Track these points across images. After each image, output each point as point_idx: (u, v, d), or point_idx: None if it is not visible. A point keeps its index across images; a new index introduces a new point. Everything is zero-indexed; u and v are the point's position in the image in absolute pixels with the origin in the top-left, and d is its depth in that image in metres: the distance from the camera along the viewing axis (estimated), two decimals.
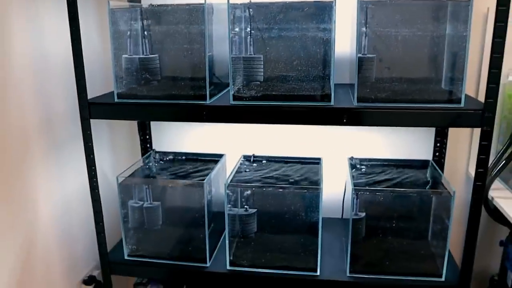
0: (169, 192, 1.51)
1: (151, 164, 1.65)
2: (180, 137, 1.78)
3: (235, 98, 1.27)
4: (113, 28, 1.32)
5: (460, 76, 1.19)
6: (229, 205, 1.40)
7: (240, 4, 1.25)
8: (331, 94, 1.22)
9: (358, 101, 1.22)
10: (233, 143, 1.73)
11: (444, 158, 1.60)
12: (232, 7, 1.24)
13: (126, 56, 1.36)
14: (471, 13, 1.14)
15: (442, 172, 1.59)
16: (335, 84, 1.35)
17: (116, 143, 1.81)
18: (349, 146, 1.67)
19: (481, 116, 1.16)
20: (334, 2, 1.18)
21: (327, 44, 1.22)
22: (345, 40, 1.48)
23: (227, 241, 1.40)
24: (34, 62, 1.34)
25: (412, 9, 1.24)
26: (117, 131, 1.80)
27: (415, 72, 1.27)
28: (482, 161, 1.19)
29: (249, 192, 1.40)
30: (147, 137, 1.78)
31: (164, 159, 1.68)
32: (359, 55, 1.23)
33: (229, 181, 1.39)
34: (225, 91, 1.44)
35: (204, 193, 1.37)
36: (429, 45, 1.25)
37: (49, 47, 1.39)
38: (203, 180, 1.39)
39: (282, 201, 1.40)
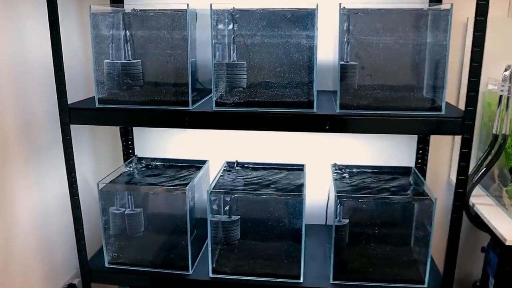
0: (151, 198, 1.50)
1: (133, 170, 1.63)
2: (163, 143, 1.77)
3: (217, 104, 1.27)
4: (95, 33, 1.30)
5: (441, 84, 1.20)
6: (212, 212, 1.38)
7: (223, 10, 1.24)
8: (313, 101, 1.23)
9: (340, 108, 1.22)
10: (216, 149, 1.72)
11: (426, 164, 1.61)
12: (216, 13, 1.24)
13: (108, 61, 1.35)
14: (450, 22, 1.16)
15: (424, 178, 1.61)
16: (319, 91, 1.36)
17: (98, 149, 1.79)
18: (332, 153, 1.67)
19: (461, 124, 1.17)
20: (316, 9, 1.18)
21: (310, 51, 1.22)
22: (328, 47, 1.49)
23: (209, 249, 1.39)
24: (14, 65, 1.32)
25: (393, 18, 1.25)
26: (99, 136, 1.78)
27: (397, 79, 1.28)
28: (462, 168, 1.20)
29: (232, 198, 1.39)
30: (130, 142, 1.76)
31: (147, 165, 1.66)
32: (342, 62, 1.23)
33: (211, 187, 1.39)
34: (208, 97, 1.43)
35: (186, 199, 1.36)
36: (410, 53, 1.26)
37: (29, 51, 1.38)
38: (185, 186, 1.38)
39: (265, 208, 1.39)
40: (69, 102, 1.31)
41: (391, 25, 1.25)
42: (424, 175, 1.61)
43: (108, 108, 1.31)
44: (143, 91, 1.35)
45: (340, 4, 1.19)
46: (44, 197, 1.48)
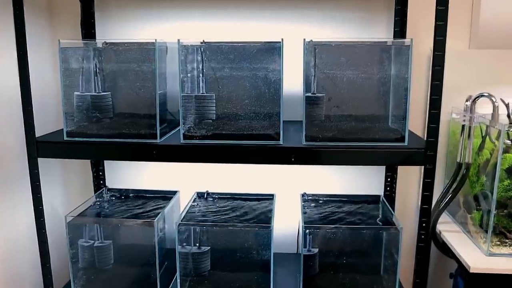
0: (120, 230, 1.48)
1: (103, 201, 1.62)
2: (134, 173, 1.76)
3: (185, 137, 1.28)
4: (64, 66, 1.31)
5: (403, 116, 1.23)
6: (182, 244, 1.38)
7: (191, 45, 1.27)
8: (280, 133, 1.25)
9: (306, 140, 1.24)
10: (188, 180, 1.72)
11: (394, 192, 1.64)
12: (184, 48, 1.26)
13: (78, 93, 1.35)
14: (411, 57, 1.20)
15: (394, 206, 1.63)
16: (290, 121, 1.38)
17: (68, 179, 1.78)
18: (303, 181, 1.68)
19: (424, 155, 1.20)
20: (281, 43, 1.21)
21: (276, 84, 1.24)
22: (299, 78, 1.52)
23: (178, 281, 1.38)
24: None
25: (357, 51, 1.29)
26: (70, 167, 1.77)
27: (363, 111, 1.31)
28: (426, 198, 1.23)
29: (201, 230, 1.39)
30: (100, 173, 1.75)
31: (117, 196, 1.65)
32: (307, 94, 1.26)
33: (180, 219, 1.38)
34: (178, 128, 1.44)
35: (154, 232, 1.36)
36: (375, 85, 1.30)
37: None
38: (154, 218, 1.37)
39: (234, 239, 1.40)
40: (41, 133, 1.31)
41: (356, 58, 1.29)
42: (393, 203, 1.64)
43: (76, 141, 1.31)
44: (112, 124, 1.35)
45: (304, 39, 1.22)
46: (12, 230, 1.46)
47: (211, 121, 1.31)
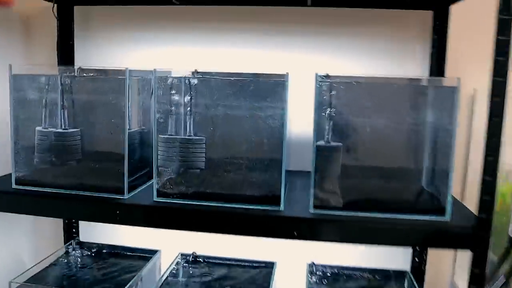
0: None
1: (69, 258, 1.34)
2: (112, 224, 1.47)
3: (160, 194, 0.99)
4: (18, 96, 1.06)
5: (444, 181, 0.93)
6: None
7: (170, 76, 1.00)
8: (280, 197, 0.95)
9: (314, 207, 0.94)
10: (171, 237, 1.40)
11: (424, 265, 1.31)
12: (161, 80, 0.99)
13: (40, 129, 1.10)
14: (457, 102, 0.91)
15: (423, 282, 1.31)
16: (297, 172, 1.10)
17: (39, 227, 1.51)
18: (310, 248, 1.36)
19: (472, 235, 0.89)
20: (286, 78, 0.94)
21: (278, 130, 0.96)
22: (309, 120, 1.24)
23: None
24: None
25: (384, 91, 1.01)
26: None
27: (389, 169, 1.01)
28: None
29: None
30: (73, 221, 1.47)
31: (87, 252, 1.37)
32: (319, 143, 0.97)
33: None
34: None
35: None
36: (406, 135, 1.01)
37: None
38: None
39: None
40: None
41: (382, 100, 1.01)
42: (422, 278, 1.31)
43: (26, 191, 1.04)
44: (74, 170, 1.08)
45: (316, 73, 0.94)
46: None
47: (198, 171, 1.04)
